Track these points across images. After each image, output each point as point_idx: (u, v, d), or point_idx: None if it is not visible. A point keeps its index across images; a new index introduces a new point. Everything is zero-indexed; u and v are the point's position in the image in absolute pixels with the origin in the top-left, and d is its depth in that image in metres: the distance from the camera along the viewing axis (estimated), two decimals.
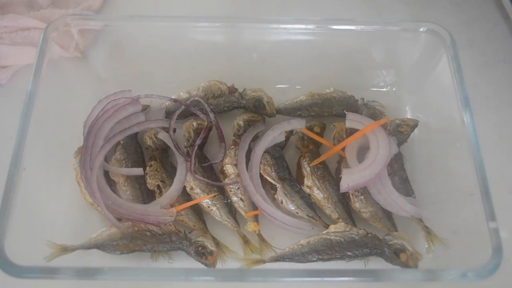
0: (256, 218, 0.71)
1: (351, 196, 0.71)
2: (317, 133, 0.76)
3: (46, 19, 0.85)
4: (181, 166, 0.73)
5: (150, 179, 0.72)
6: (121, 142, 0.74)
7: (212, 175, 0.74)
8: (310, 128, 0.77)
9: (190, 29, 0.77)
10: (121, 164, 0.73)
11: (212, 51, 0.80)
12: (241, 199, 0.71)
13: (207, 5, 0.95)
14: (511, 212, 0.70)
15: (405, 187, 0.74)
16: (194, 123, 0.76)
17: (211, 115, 0.76)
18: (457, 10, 0.97)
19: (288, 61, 0.82)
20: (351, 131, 0.75)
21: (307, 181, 0.72)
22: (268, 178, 0.72)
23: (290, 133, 0.77)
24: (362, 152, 0.75)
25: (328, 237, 0.67)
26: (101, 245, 0.66)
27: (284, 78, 0.84)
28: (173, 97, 0.78)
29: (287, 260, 0.66)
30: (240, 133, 0.76)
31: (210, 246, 0.67)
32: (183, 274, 0.57)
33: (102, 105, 0.74)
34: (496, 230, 0.58)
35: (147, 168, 0.73)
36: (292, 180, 0.74)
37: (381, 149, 0.71)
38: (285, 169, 0.74)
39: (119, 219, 0.68)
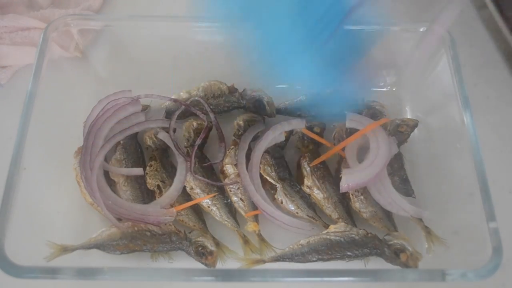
0: (256, 218, 0.71)
1: (351, 196, 0.71)
2: (317, 133, 0.76)
3: (46, 19, 0.85)
4: (181, 166, 0.73)
5: (150, 179, 0.72)
6: (121, 142, 0.74)
7: (212, 175, 0.74)
8: (310, 128, 0.77)
9: (190, 29, 0.77)
10: (121, 164, 0.73)
11: (212, 51, 0.80)
12: (241, 199, 0.71)
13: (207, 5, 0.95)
14: (511, 212, 0.70)
15: (405, 187, 0.74)
16: (194, 123, 0.76)
17: (211, 115, 0.76)
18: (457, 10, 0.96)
19: None
20: (351, 131, 0.75)
21: (307, 181, 0.72)
22: (268, 178, 0.72)
23: (290, 133, 0.77)
24: (362, 152, 0.74)
25: (328, 237, 0.67)
26: (101, 245, 0.66)
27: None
28: (173, 97, 0.78)
29: (287, 260, 0.66)
30: (240, 133, 0.76)
31: (210, 246, 0.67)
32: (183, 274, 0.57)
33: (102, 105, 0.74)
34: (496, 230, 0.58)
35: (147, 168, 0.73)
36: (292, 180, 0.74)
37: (381, 150, 0.71)
38: (285, 169, 0.74)
39: (119, 219, 0.68)
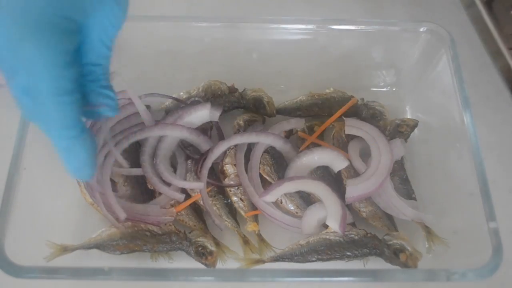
0: (256, 218, 0.71)
1: None
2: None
3: None
4: (181, 166, 0.73)
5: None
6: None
7: (212, 175, 0.74)
8: (310, 128, 0.77)
9: (190, 29, 0.77)
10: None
11: (212, 51, 0.80)
12: (241, 199, 0.71)
13: (207, 5, 0.95)
14: (511, 212, 0.70)
15: (405, 187, 0.74)
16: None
17: None
18: (457, 10, 0.96)
19: (288, 61, 0.82)
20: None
21: None
22: (268, 178, 0.72)
23: (290, 133, 0.77)
24: (365, 150, 0.74)
25: (327, 237, 0.67)
26: (101, 245, 0.66)
27: (284, 78, 0.84)
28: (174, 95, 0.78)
29: (287, 260, 0.66)
30: (240, 133, 0.76)
31: (210, 246, 0.67)
32: (183, 274, 0.57)
33: None
34: (496, 230, 0.58)
35: None
36: None
37: (383, 157, 0.71)
38: (285, 169, 0.74)
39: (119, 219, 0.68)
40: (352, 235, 0.67)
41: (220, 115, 0.75)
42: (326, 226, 0.69)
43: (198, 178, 0.71)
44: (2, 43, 0.40)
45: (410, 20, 0.91)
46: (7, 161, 0.62)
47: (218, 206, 0.71)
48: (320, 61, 0.82)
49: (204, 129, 0.75)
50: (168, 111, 0.78)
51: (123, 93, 0.76)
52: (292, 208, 0.71)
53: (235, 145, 0.74)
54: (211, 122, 0.76)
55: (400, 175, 0.74)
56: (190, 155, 0.73)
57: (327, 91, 0.81)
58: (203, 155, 0.72)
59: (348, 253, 0.66)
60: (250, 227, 0.69)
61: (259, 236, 0.69)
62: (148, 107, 0.79)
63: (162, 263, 0.68)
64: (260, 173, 0.73)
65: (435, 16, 0.95)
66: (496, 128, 0.83)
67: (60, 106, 0.43)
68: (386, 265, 0.67)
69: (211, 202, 0.71)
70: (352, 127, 0.75)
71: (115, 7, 0.45)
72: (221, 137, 0.76)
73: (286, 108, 0.80)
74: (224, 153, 0.74)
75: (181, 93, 0.79)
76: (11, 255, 0.56)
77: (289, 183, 0.69)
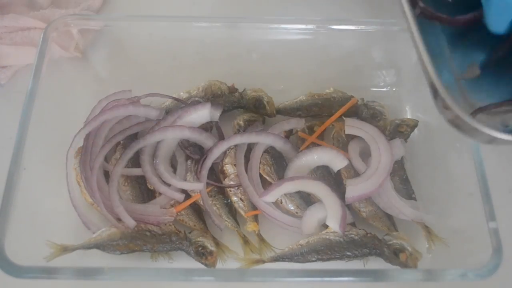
0: (256, 218, 0.71)
1: None
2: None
3: (46, 19, 0.85)
4: (181, 166, 0.73)
5: None
6: (121, 142, 0.74)
7: (212, 175, 0.74)
8: (310, 128, 0.77)
9: (190, 29, 0.77)
10: None
11: (212, 51, 0.80)
12: (241, 199, 0.71)
13: (207, 5, 0.95)
14: (511, 212, 0.70)
15: (405, 187, 0.74)
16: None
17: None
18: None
19: (288, 61, 0.82)
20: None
21: None
22: (268, 178, 0.72)
23: (290, 133, 0.77)
24: (365, 150, 0.74)
25: (327, 237, 0.67)
26: (101, 245, 0.66)
27: (284, 78, 0.84)
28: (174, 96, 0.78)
29: (287, 260, 0.66)
30: (240, 133, 0.76)
31: (210, 246, 0.67)
32: (183, 274, 0.57)
33: (102, 105, 0.74)
34: (496, 230, 0.58)
35: None
36: None
37: (383, 158, 0.71)
38: (285, 169, 0.74)
39: (119, 219, 0.68)
40: (352, 235, 0.67)
41: (220, 115, 0.75)
42: (326, 226, 0.69)
43: (198, 178, 0.71)
44: None
45: None
46: (7, 161, 0.62)
47: (218, 206, 0.71)
48: (320, 61, 0.82)
49: (204, 129, 0.75)
50: (168, 111, 0.78)
51: (123, 93, 0.76)
52: (292, 208, 0.71)
53: (235, 145, 0.74)
54: (211, 122, 0.76)
55: (400, 175, 0.74)
56: (190, 155, 0.73)
57: (327, 91, 0.80)
58: (204, 155, 0.72)
59: (348, 253, 0.66)
60: (250, 227, 0.69)
61: (259, 236, 0.69)
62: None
63: (162, 263, 0.68)
64: (260, 173, 0.73)
65: None
66: None
67: None
68: (386, 265, 0.67)
69: (211, 202, 0.71)
70: (352, 127, 0.75)
71: None
72: (221, 137, 0.76)
73: (286, 108, 0.80)
74: (224, 153, 0.74)
75: (181, 93, 0.79)
76: (11, 255, 0.56)
77: (289, 183, 0.69)
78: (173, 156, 0.75)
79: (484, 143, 0.47)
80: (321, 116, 0.79)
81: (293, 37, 0.78)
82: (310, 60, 0.82)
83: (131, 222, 0.66)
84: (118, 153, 0.74)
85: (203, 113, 0.74)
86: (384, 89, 0.86)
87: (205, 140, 0.73)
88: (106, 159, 0.74)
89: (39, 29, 0.85)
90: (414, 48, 0.48)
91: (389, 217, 0.72)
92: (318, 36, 0.77)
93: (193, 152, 0.74)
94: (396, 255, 0.66)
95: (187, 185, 0.71)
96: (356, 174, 0.73)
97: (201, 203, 0.71)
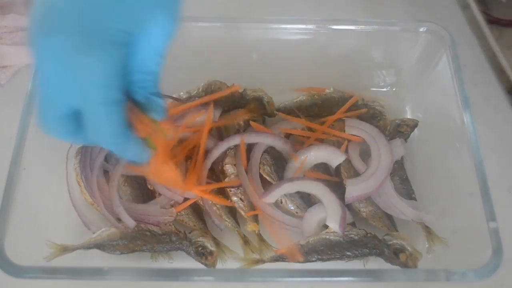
0: (256, 218, 0.71)
1: None
2: None
3: None
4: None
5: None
6: None
7: (212, 175, 0.74)
8: (310, 128, 0.77)
9: (190, 29, 0.77)
10: None
11: (212, 51, 0.80)
12: (241, 199, 0.71)
13: (207, 5, 0.95)
14: (511, 212, 0.70)
15: (405, 187, 0.74)
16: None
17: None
18: (457, 10, 0.96)
19: (288, 61, 0.82)
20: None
21: None
22: (268, 178, 0.72)
23: (289, 133, 0.77)
24: (365, 150, 0.74)
25: (327, 237, 0.67)
26: (101, 245, 0.66)
27: (284, 78, 0.84)
28: (174, 96, 0.78)
29: (287, 260, 0.66)
30: (240, 133, 0.76)
31: (210, 246, 0.67)
32: (183, 274, 0.57)
33: None
34: (496, 230, 0.58)
35: None
36: None
37: (383, 158, 0.71)
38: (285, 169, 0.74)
39: (119, 219, 0.68)
40: (352, 235, 0.67)
41: (220, 115, 0.75)
42: (326, 226, 0.69)
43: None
44: (62, 56, 0.41)
45: (410, 20, 0.91)
46: (7, 161, 0.61)
47: (218, 206, 0.71)
48: (320, 61, 0.82)
49: None
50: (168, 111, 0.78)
51: None
52: (292, 208, 0.71)
53: (235, 145, 0.74)
54: None
55: (400, 175, 0.74)
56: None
57: (327, 91, 0.80)
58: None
59: (348, 253, 0.66)
60: (250, 227, 0.69)
61: (259, 236, 0.69)
62: None
63: (162, 263, 0.68)
64: (260, 173, 0.73)
65: (435, 16, 0.95)
66: (496, 128, 0.83)
67: (109, 116, 0.44)
68: (386, 265, 0.67)
69: (211, 202, 0.71)
70: (352, 127, 0.75)
71: (169, 18, 0.47)
72: (221, 137, 0.76)
73: (286, 108, 0.80)
74: (224, 153, 0.74)
75: (181, 93, 0.79)
76: (11, 255, 0.56)
77: (289, 184, 0.69)
78: None
79: None
80: (321, 116, 0.79)
81: (293, 37, 0.78)
82: (310, 60, 0.82)
83: (131, 222, 0.67)
84: None
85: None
86: (384, 89, 0.86)
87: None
88: (106, 159, 0.74)
89: None
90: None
91: (389, 217, 0.72)
92: (318, 36, 0.77)
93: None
94: (396, 255, 0.66)
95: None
96: (356, 174, 0.73)
97: (201, 203, 0.71)
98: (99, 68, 0.42)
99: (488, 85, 0.87)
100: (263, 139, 0.74)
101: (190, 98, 0.78)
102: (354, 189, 0.69)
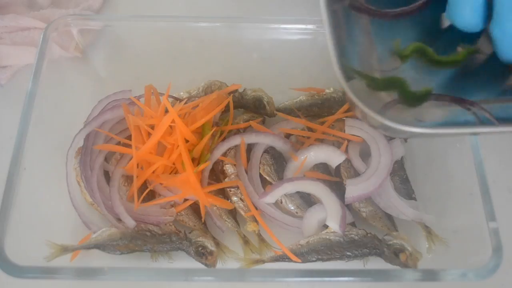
0: (256, 218, 0.71)
1: None
2: None
3: (46, 19, 0.85)
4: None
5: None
6: (121, 142, 0.74)
7: (212, 175, 0.74)
8: (310, 128, 0.77)
9: (190, 29, 0.77)
10: None
11: (212, 51, 0.80)
12: (241, 199, 0.71)
13: (207, 5, 0.95)
14: (511, 212, 0.70)
15: (405, 187, 0.74)
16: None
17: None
18: None
19: (288, 61, 0.82)
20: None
21: None
22: (268, 178, 0.72)
23: (290, 133, 0.77)
24: (365, 150, 0.74)
25: (327, 237, 0.67)
26: (101, 245, 0.66)
27: (284, 78, 0.84)
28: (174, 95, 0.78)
29: (287, 260, 0.66)
30: (240, 133, 0.76)
31: (210, 246, 0.67)
32: (183, 274, 0.57)
33: (102, 105, 0.74)
34: (496, 230, 0.58)
35: None
36: None
37: (383, 158, 0.71)
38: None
39: (119, 219, 0.68)
40: (352, 235, 0.67)
41: (220, 115, 0.75)
42: (326, 226, 0.69)
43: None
44: None
45: None
46: (7, 161, 0.62)
47: (218, 206, 0.71)
48: (320, 61, 0.82)
49: None
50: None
51: (123, 93, 0.76)
52: (292, 208, 0.71)
53: (235, 145, 0.74)
54: None
55: (400, 175, 0.74)
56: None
57: (327, 91, 0.80)
58: None
59: (348, 253, 0.66)
60: (250, 227, 0.69)
61: (259, 236, 0.69)
62: None
63: (162, 263, 0.68)
64: (260, 173, 0.73)
65: None
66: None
67: None
68: (386, 265, 0.67)
69: None
70: (352, 127, 0.74)
71: None
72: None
73: (286, 108, 0.80)
74: (224, 153, 0.74)
75: (181, 93, 0.79)
76: (11, 255, 0.56)
77: (289, 184, 0.69)
78: None
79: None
80: (321, 116, 0.79)
81: (293, 37, 0.78)
82: (310, 60, 0.82)
83: (131, 222, 0.67)
84: (118, 153, 0.74)
85: None
86: None
87: None
88: (106, 159, 0.74)
89: (39, 29, 0.85)
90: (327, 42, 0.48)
91: (389, 217, 0.72)
92: (318, 36, 0.77)
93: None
94: (396, 255, 0.66)
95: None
96: (356, 174, 0.73)
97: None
98: None
99: None
100: (263, 139, 0.74)
101: (190, 98, 0.78)
102: (354, 189, 0.69)
